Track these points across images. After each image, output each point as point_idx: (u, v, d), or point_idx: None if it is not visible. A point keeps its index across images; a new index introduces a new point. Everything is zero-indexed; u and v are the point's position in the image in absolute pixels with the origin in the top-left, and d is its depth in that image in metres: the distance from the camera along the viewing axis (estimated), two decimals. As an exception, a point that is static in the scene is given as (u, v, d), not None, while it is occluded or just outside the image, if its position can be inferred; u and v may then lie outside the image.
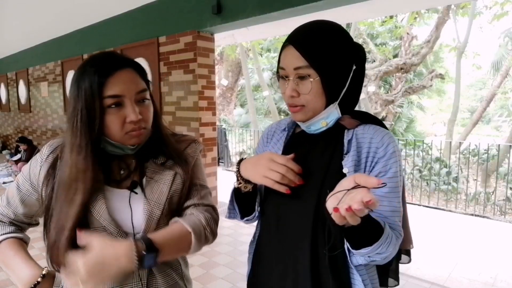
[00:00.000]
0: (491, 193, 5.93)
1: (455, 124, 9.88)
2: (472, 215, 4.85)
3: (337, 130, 0.83)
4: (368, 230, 0.71)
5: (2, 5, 4.71)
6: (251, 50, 10.28)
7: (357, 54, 0.82)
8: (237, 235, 3.69)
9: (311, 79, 0.77)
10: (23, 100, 8.17)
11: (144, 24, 4.57)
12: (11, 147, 8.51)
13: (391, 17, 9.53)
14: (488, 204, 5.70)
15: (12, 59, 8.36)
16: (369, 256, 0.75)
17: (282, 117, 12.92)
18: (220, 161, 7.76)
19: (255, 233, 0.96)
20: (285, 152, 0.89)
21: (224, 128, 8.63)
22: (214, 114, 4.22)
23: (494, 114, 15.83)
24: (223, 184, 4.94)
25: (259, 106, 13.29)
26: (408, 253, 0.94)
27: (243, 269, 2.90)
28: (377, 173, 0.78)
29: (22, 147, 6.43)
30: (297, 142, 0.90)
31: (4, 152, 8.32)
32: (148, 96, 0.83)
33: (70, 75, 6.24)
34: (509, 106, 14.76)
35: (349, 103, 0.84)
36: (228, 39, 6.04)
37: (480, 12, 9.54)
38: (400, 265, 0.96)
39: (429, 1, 4.49)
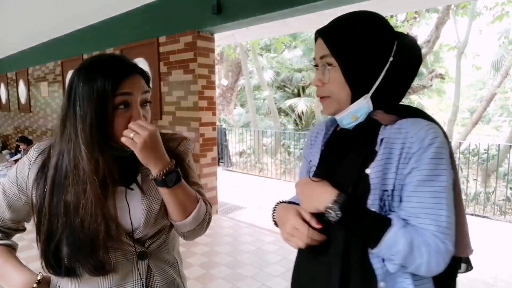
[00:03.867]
0: (491, 193, 5.93)
1: (455, 124, 9.88)
2: (472, 215, 4.85)
3: (372, 126, 0.77)
4: (368, 224, 0.70)
5: (2, 5, 4.71)
6: (251, 50, 10.28)
7: (397, 47, 0.76)
8: (237, 235, 3.69)
9: (329, 67, 0.77)
10: (23, 100, 8.17)
11: (144, 24, 4.57)
12: (11, 147, 8.51)
13: (391, 16, 9.53)
14: (488, 204, 5.71)
15: (12, 59, 8.35)
16: (395, 264, 0.69)
17: (283, 117, 12.92)
18: (220, 161, 7.76)
19: None
20: (323, 152, 0.88)
21: (224, 128, 8.63)
22: (214, 114, 4.22)
23: (494, 114, 15.81)
24: (223, 184, 4.94)
25: (259, 106, 13.28)
26: (466, 261, 0.83)
27: (243, 269, 2.91)
28: (409, 170, 0.70)
29: (22, 146, 6.41)
30: (336, 141, 0.88)
31: (4, 152, 8.31)
32: (149, 99, 0.86)
33: (70, 75, 6.22)
34: (509, 106, 14.75)
35: (387, 98, 0.78)
36: (228, 39, 6.04)
37: (480, 13, 9.54)
38: None
39: (429, 1, 4.49)
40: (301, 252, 0.90)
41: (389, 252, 0.68)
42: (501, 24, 7.92)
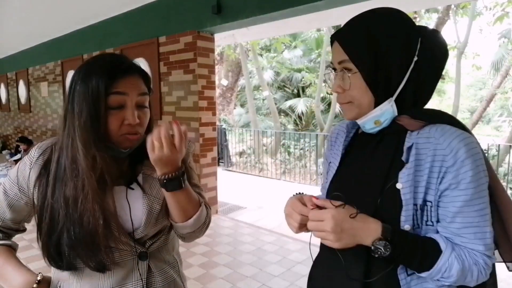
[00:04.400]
0: (491, 193, 5.92)
1: (455, 124, 9.83)
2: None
3: (398, 132, 0.73)
4: (420, 254, 0.67)
5: (2, 5, 4.71)
6: (250, 50, 10.28)
7: (421, 44, 0.71)
8: (237, 235, 3.69)
9: (349, 74, 0.73)
10: (23, 100, 8.17)
11: (144, 24, 4.57)
12: (11, 147, 8.51)
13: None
14: (488, 204, 5.70)
15: (12, 59, 8.35)
16: (438, 280, 0.69)
17: (283, 117, 12.91)
18: (220, 161, 7.76)
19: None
20: (344, 155, 0.84)
21: (224, 128, 8.63)
22: (214, 114, 4.22)
23: (494, 114, 15.83)
24: (223, 184, 4.94)
25: (259, 106, 13.29)
26: None
27: (243, 269, 2.91)
28: (447, 186, 0.67)
29: (22, 147, 6.41)
30: (357, 145, 0.84)
31: (4, 152, 8.31)
32: (147, 104, 0.84)
33: (70, 75, 6.19)
34: (509, 106, 14.75)
35: (412, 101, 0.73)
36: (228, 39, 6.04)
37: (480, 13, 9.54)
38: None
39: (429, 1, 4.49)
40: (319, 258, 0.88)
41: (439, 276, 0.67)
42: (501, 24, 7.91)
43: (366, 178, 0.76)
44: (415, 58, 0.70)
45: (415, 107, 0.74)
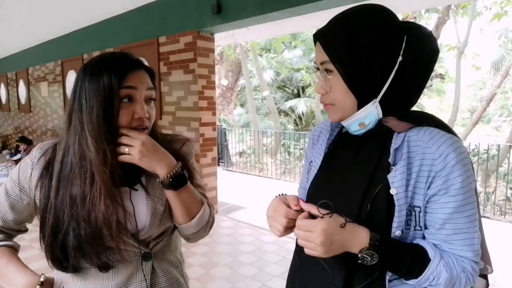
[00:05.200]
0: (491, 193, 5.92)
1: (455, 124, 9.87)
2: (472, 215, 4.84)
3: (384, 133, 0.71)
4: (408, 263, 0.66)
5: (2, 5, 4.71)
6: (250, 50, 10.28)
7: (407, 43, 0.68)
8: (237, 235, 3.69)
9: (330, 76, 0.71)
10: (23, 100, 8.17)
11: (144, 24, 4.57)
12: (11, 147, 8.50)
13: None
14: (488, 204, 5.70)
15: (12, 59, 8.35)
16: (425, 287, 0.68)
17: (283, 117, 12.91)
18: (220, 161, 7.76)
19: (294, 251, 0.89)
20: (327, 155, 0.82)
21: (224, 128, 8.63)
22: (214, 114, 4.22)
23: (494, 114, 15.83)
24: (223, 184, 4.94)
25: (259, 106, 13.28)
26: (484, 277, 0.78)
27: (243, 269, 2.91)
28: (436, 191, 0.65)
29: (22, 146, 6.41)
30: (341, 145, 0.81)
31: (4, 152, 8.31)
32: (154, 97, 0.86)
33: (70, 75, 6.24)
34: (509, 106, 14.75)
35: (398, 102, 0.71)
36: (228, 39, 6.04)
37: (480, 13, 9.54)
38: None
39: (429, 1, 4.48)
40: (296, 264, 0.85)
41: (427, 284, 0.67)
42: (501, 23, 7.92)
43: (350, 180, 0.74)
44: (400, 58, 0.67)
45: (402, 108, 0.72)
